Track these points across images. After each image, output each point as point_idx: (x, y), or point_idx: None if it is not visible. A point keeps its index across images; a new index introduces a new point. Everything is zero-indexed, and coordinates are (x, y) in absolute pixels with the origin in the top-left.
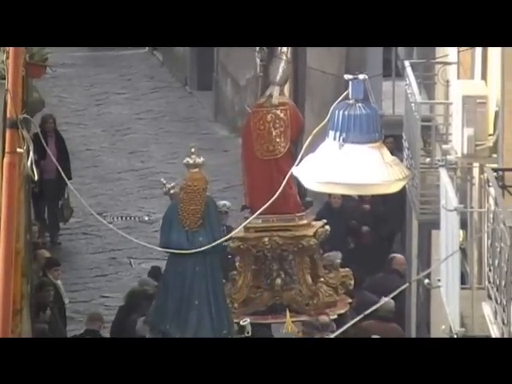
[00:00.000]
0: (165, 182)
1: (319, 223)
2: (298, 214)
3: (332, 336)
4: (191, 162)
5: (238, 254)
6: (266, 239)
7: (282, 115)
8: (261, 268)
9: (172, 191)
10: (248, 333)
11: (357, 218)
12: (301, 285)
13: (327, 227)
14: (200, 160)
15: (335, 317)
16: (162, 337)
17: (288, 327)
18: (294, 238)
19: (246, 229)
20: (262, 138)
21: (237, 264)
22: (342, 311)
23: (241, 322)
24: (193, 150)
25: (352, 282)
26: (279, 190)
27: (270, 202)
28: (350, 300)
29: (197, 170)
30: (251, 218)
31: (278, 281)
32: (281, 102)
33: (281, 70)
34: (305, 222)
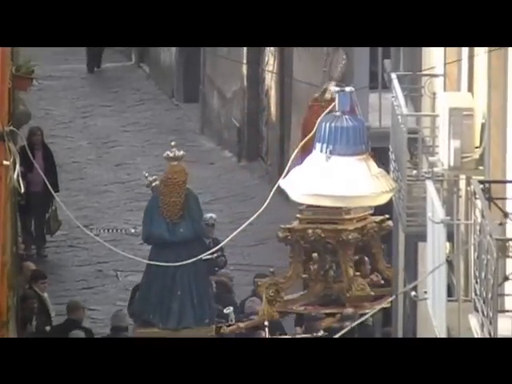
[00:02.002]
0: (147, 175)
1: (374, 218)
2: (345, 208)
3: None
4: (171, 155)
5: (288, 245)
6: (310, 231)
7: None
8: (313, 259)
9: (153, 184)
10: (232, 321)
11: None
12: (343, 277)
13: (389, 223)
14: (180, 153)
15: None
16: (145, 326)
17: (264, 310)
18: (335, 232)
19: (297, 219)
20: None
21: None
22: (386, 306)
23: (224, 311)
24: (173, 143)
25: None
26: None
27: (261, 209)
28: None
29: (176, 163)
30: (238, 230)
31: (331, 272)
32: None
33: (339, 66)
34: (351, 216)
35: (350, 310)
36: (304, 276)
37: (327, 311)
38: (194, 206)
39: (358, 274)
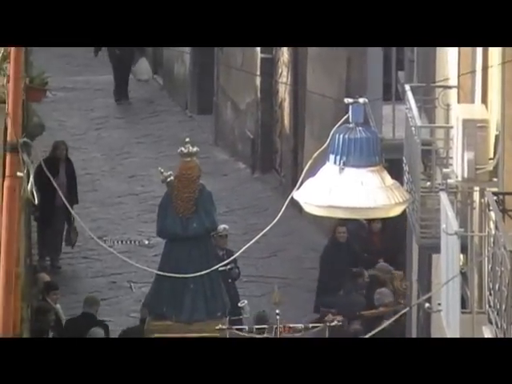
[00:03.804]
0: (162, 170)
1: None
2: None
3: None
4: (185, 151)
5: None
6: None
7: None
8: None
9: (168, 179)
10: (247, 314)
11: (368, 251)
12: None
13: None
14: (194, 149)
15: None
16: (159, 319)
17: (276, 298)
18: None
19: None
20: None
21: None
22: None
23: (239, 304)
24: (187, 139)
25: None
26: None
27: (274, 221)
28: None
29: (190, 159)
30: (251, 242)
31: None
32: None
33: None
34: None
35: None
36: None
37: None
38: (207, 201)
39: None
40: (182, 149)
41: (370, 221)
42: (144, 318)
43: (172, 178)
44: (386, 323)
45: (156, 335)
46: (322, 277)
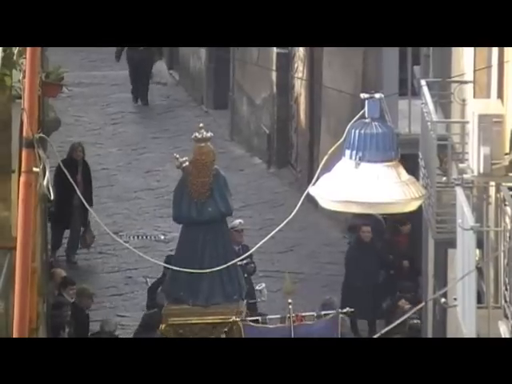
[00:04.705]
0: (177, 156)
1: None
2: None
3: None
4: (199, 136)
5: None
6: None
7: None
8: None
9: (184, 165)
10: (264, 297)
11: (392, 251)
12: None
13: None
14: (208, 134)
15: None
16: (176, 303)
17: (288, 287)
18: None
19: None
20: None
21: None
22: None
23: (256, 287)
24: (201, 124)
25: None
26: (298, 204)
27: (290, 216)
28: None
29: (204, 144)
30: (268, 237)
31: None
32: None
33: None
34: None
35: None
36: None
37: None
38: (222, 185)
39: None
40: (196, 134)
41: (400, 223)
42: (161, 304)
43: (187, 163)
44: (403, 317)
45: (173, 319)
46: (347, 275)
